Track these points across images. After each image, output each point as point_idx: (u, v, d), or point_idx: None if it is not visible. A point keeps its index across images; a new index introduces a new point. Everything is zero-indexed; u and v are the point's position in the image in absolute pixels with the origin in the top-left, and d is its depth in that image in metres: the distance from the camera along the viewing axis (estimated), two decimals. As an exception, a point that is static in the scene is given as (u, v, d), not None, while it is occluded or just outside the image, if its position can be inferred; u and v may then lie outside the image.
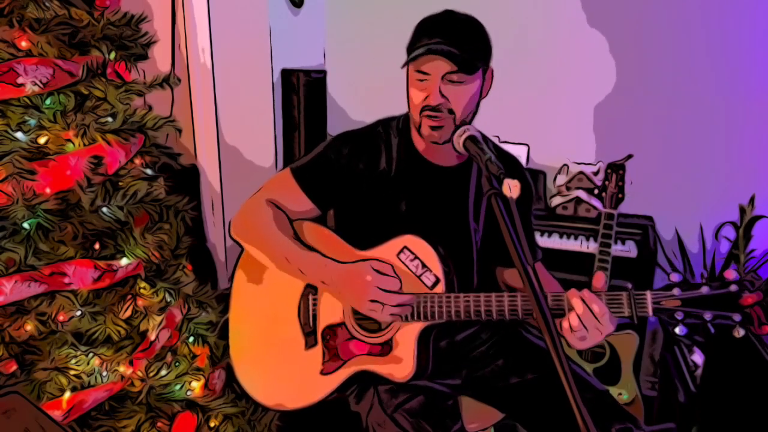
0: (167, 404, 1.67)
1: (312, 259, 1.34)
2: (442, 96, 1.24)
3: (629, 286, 1.15)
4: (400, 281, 1.29)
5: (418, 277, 1.30)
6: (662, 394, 2.28)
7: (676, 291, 1.11)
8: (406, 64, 1.27)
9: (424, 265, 1.30)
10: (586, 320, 1.12)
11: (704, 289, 1.09)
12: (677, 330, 1.11)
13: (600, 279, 1.16)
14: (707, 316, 1.08)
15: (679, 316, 1.10)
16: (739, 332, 1.07)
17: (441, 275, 1.29)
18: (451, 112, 1.25)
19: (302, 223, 1.45)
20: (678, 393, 2.25)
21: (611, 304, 1.13)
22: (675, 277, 1.12)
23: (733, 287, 1.07)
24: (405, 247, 1.32)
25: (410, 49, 1.28)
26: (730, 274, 1.07)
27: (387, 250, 1.34)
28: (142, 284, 1.61)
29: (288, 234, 1.38)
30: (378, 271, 1.26)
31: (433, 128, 1.27)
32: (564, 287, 1.20)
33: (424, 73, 1.24)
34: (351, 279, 1.27)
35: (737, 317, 1.07)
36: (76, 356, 1.50)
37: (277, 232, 1.36)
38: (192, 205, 1.76)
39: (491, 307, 1.22)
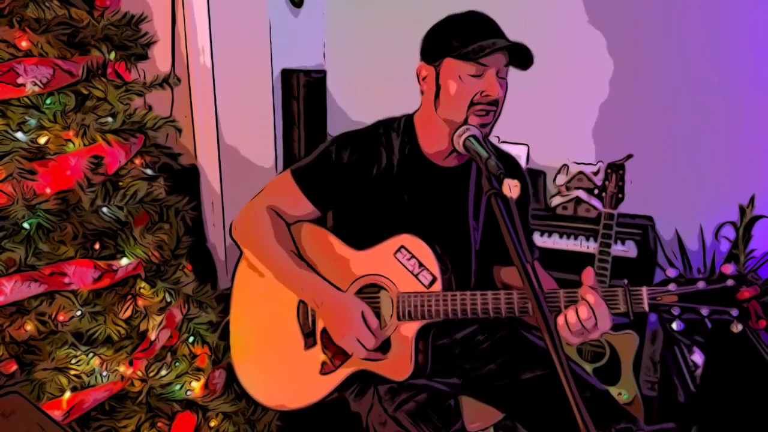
0: (167, 404, 1.67)
1: (305, 280, 1.36)
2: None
3: (625, 281, 1.14)
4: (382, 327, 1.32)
5: (415, 276, 1.30)
6: (662, 394, 2.28)
7: (672, 286, 1.10)
8: (467, 57, 1.24)
9: (420, 264, 1.30)
10: (589, 320, 1.12)
11: (701, 284, 1.08)
12: (674, 325, 1.10)
13: (590, 274, 1.16)
14: (704, 311, 1.08)
15: (675, 311, 1.09)
16: (737, 327, 1.07)
17: (438, 274, 1.29)
18: (497, 105, 1.28)
19: (301, 225, 1.45)
20: (678, 393, 2.25)
21: (607, 299, 1.13)
22: (671, 272, 1.11)
23: (730, 282, 1.06)
24: (402, 247, 1.32)
25: (455, 43, 1.25)
26: (728, 268, 1.07)
27: (384, 249, 1.34)
28: (142, 284, 1.61)
29: (286, 246, 1.39)
30: (365, 320, 1.28)
31: (483, 125, 1.27)
32: (563, 287, 1.20)
33: (483, 66, 1.24)
34: (338, 315, 1.30)
35: (734, 312, 1.06)
36: (76, 356, 1.50)
37: (275, 244, 1.38)
38: (192, 205, 1.76)
39: (488, 305, 1.23)
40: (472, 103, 1.26)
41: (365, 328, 1.27)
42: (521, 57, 1.25)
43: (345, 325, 1.28)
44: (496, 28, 1.28)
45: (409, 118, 1.42)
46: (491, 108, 1.26)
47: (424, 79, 1.34)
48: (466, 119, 1.27)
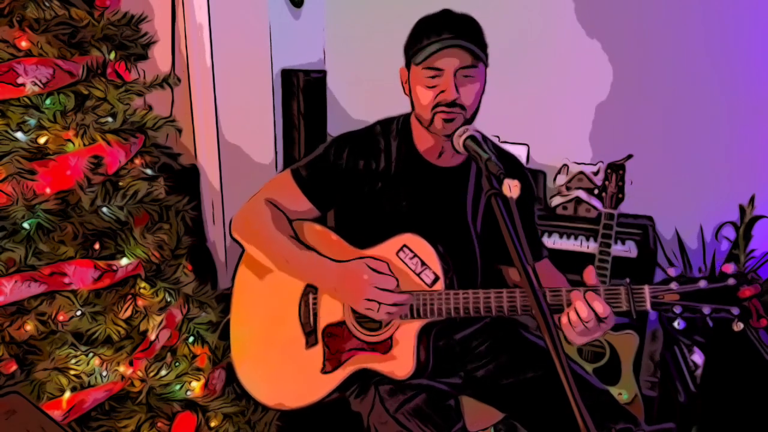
0: (167, 404, 1.67)
1: (309, 259, 1.34)
2: (457, 91, 1.24)
3: (627, 280, 1.14)
4: (397, 279, 1.29)
5: (418, 275, 1.30)
6: (662, 394, 2.28)
7: (674, 285, 1.10)
8: (418, 63, 1.25)
9: (423, 263, 1.30)
10: (589, 321, 1.12)
11: (702, 283, 1.09)
12: (676, 324, 1.11)
13: (591, 273, 1.16)
14: (706, 309, 1.08)
15: (677, 310, 1.10)
16: (738, 326, 1.07)
17: (440, 273, 1.29)
18: (462, 108, 1.26)
19: (302, 223, 1.45)
20: (678, 393, 2.25)
21: (609, 298, 1.13)
22: (672, 272, 1.12)
23: (731, 281, 1.07)
24: (404, 246, 1.32)
25: (413, 49, 1.27)
26: (728, 267, 1.07)
27: (386, 248, 1.34)
28: (142, 284, 1.61)
29: (287, 234, 1.38)
30: (374, 270, 1.27)
31: (446, 121, 1.26)
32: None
33: (437, 70, 1.24)
34: (347, 278, 1.28)
35: (735, 311, 1.07)
36: (76, 356, 1.50)
37: (275, 232, 1.37)
38: (192, 205, 1.76)
39: (490, 304, 1.23)
40: (434, 105, 1.26)
41: (379, 276, 1.26)
42: (473, 54, 1.23)
43: (358, 283, 1.26)
44: (454, 26, 1.25)
45: (406, 118, 1.43)
46: (452, 109, 1.25)
47: (405, 82, 1.35)
48: (432, 120, 1.27)
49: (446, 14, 1.28)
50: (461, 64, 1.23)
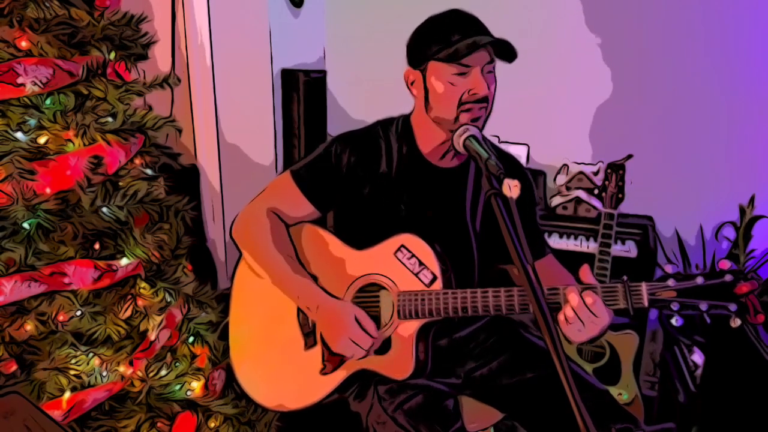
0: (167, 404, 1.67)
1: (300, 287, 1.36)
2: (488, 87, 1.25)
3: (624, 278, 1.15)
4: (378, 326, 1.31)
5: (416, 275, 1.30)
6: (662, 394, 2.28)
7: (671, 282, 1.11)
8: (451, 60, 1.23)
9: (421, 263, 1.30)
10: (581, 312, 1.12)
11: (699, 280, 1.10)
12: (673, 321, 1.11)
13: (586, 271, 1.16)
14: (703, 306, 1.09)
15: (674, 306, 1.10)
16: (735, 322, 1.08)
17: (438, 273, 1.29)
18: (487, 103, 1.27)
19: (302, 226, 1.45)
20: (678, 393, 2.25)
21: (607, 296, 1.14)
22: (670, 269, 1.12)
23: (728, 277, 1.08)
24: (402, 246, 1.32)
25: (437, 47, 1.25)
26: (725, 264, 1.08)
27: (384, 249, 1.34)
28: (142, 284, 1.62)
29: (285, 251, 1.39)
30: (359, 323, 1.28)
31: (474, 120, 1.26)
32: None
33: (466, 66, 1.24)
34: (333, 321, 1.30)
35: (733, 307, 1.07)
36: (76, 356, 1.50)
37: (272, 249, 1.38)
38: (192, 205, 1.76)
39: (488, 303, 1.23)
40: (461, 103, 1.26)
41: (360, 330, 1.27)
42: (504, 51, 1.25)
43: (339, 329, 1.28)
44: (475, 25, 1.27)
45: (406, 119, 1.42)
46: (481, 105, 1.26)
47: (412, 83, 1.34)
48: (457, 118, 1.27)
49: (459, 12, 1.29)
50: (488, 60, 1.25)
